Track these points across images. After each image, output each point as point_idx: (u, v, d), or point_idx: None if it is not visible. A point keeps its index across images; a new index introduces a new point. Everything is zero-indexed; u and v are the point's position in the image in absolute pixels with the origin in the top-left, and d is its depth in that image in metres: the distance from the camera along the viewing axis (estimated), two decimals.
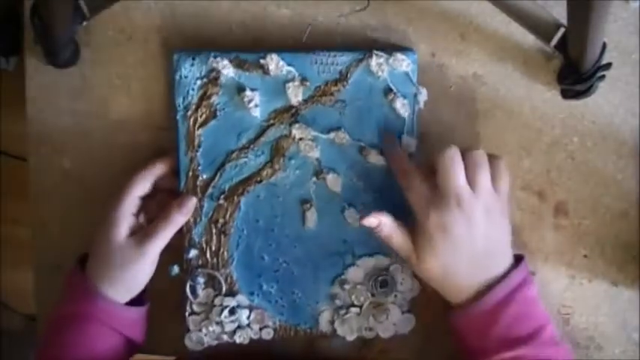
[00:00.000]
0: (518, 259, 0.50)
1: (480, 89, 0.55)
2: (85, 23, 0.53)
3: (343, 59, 0.53)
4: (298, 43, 0.54)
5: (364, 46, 0.53)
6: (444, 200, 0.47)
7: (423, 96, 0.53)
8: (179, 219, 0.52)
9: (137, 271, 0.51)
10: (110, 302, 0.51)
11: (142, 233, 0.51)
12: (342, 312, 0.55)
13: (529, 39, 0.53)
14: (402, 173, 0.51)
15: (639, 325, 0.57)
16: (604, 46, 0.49)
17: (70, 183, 0.57)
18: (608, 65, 0.50)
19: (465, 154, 0.48)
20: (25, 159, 0.56)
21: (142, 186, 0.52)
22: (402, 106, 0.53)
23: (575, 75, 0.51)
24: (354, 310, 0.55)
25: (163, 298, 0.56)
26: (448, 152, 0.48)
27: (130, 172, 0.53)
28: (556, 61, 0.54)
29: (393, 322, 0.55)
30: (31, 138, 0.56)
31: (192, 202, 0.53)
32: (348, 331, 0.55)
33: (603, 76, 0.51)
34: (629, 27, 0.53)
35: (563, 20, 0.49)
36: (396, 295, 0.55)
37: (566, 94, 0.54)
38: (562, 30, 0.50)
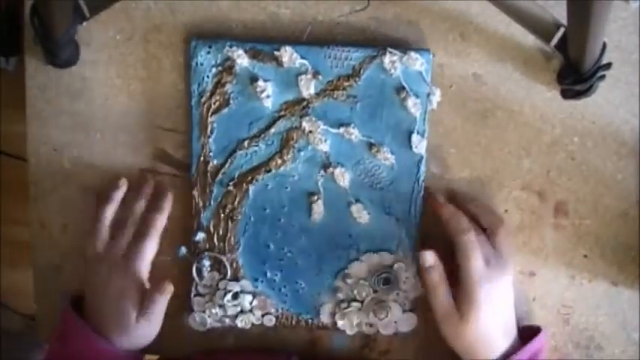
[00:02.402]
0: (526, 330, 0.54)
1: (480, 89, 0.55)
2: (85, 23, 0.53)
3: (357, 55, 0.53)
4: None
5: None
6: (495, 274, 0.51)
7: (436, 97, 0.53)
8: (162, 300, 0.52)
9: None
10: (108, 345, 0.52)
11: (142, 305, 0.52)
12: (344, 305, 0.55)
13: (529, 39, 0.53)
14: (464, 240, 0.51)
15: (639, 325, 0.57)
16: (604, 46, 0.49)
17: (70, 183, 0.57)
18: (608, 65, 0.50)
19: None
20: (25, 159, 0.56)
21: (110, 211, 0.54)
22: (413, 105, 0.53)
23: (575, 75, 0.51)
24: (355, 304, 0.55)
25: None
26: (506, 230, 0.53)
27: (130, 172, 0.53)
28: (556, 61, 0.54)
29: (394, 319, 0.55)
30: (31, 138, 0.56)
31: (170, 287, 0.52)
32: (348, 325, 0.55)
33: (603, 76, 0.51)
34: (629, 27, 0.53)
35: (563, 20, 0.49)
36: (398, 294, 0.55)
37: (566, 94, 0.54)
38: (562, 30, 0.50)
